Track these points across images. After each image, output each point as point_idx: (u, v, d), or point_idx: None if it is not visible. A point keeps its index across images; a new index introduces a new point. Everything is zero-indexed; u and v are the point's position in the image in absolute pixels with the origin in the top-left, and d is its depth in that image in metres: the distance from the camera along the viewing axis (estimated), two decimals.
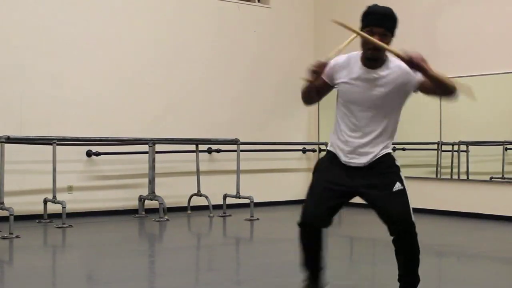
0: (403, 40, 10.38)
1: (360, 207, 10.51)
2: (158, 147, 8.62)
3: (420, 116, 9.42)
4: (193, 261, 5.98)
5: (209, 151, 9.58)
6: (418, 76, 3.43)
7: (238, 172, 8.84)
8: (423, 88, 3.48)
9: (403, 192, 3.54)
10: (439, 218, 8.58)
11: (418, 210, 9.76)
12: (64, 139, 7.98)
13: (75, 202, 8.34)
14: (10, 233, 6.66)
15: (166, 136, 8.87)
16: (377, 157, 3.56)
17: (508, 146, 8.47)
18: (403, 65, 3.43)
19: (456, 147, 8.96)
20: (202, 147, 9.19)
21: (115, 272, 5.15)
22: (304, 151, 10.71)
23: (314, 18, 10.65)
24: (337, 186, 3.55)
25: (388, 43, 3.49)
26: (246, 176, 9.42)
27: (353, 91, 3.53)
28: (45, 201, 7.87)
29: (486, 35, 8.53)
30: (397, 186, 3.52)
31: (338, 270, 5.32)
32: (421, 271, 5.22)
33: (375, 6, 3.56)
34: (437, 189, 9.06)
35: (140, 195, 8.66)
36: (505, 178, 8.44)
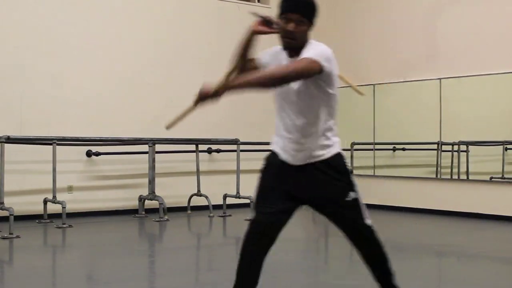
0: (404, 40, 10.46)
1: None
2: (158, 147, 8.62)
3: (420, 116, 9.43)
4: (193, 261, 5.98)
5: (209, 151, 9.58)
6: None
7: (238, 172, 8.84)
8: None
9: (355, 202, 3.26)
10: (439, 218, 8.58)
11: (418, 210, 9.82)
12: (64, 139, 7.98)
13: (75, 202, 8.34)
14: (10, 233, 6.66)
15: (166, 136, 8.85)
16: (323, 157, 3.24)
17: (508, 146, 8.47)
18: (320, 48, 3.26)
19: (456, 147, 8.95)
20: (202, 147, 9.19)
21: (115, 272, 5.15)
22: None
23: None
24: (286, 192, 3.30)
25: (306, 31, 3.32)
26: (246, 176, 9.40)
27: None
28: (45, 201, 7.87)
29: (486, 35, 8.53)
30: (350, 196, 3.24)
31: (338, 270, 5.33)
32: (421, 271, 5.23)
33: None
34: (437, 189, 9.06)
35: (140, 195, 8.66)
36: (505, 178, 8.44)
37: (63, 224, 7.46)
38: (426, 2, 9.24)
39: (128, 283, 4.72)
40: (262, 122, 10.07)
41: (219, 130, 9.49)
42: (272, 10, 10.28)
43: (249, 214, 8.84)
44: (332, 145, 3.27)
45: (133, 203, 8.77)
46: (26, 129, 7.97)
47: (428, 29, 9.15)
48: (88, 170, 8.63)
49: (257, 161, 11.26)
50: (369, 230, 3.35)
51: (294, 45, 3.27)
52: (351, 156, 10.27)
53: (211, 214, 8.58)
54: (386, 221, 8.51)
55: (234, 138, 9.08)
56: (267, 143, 11.48)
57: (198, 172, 8.84)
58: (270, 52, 3.45)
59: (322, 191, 3.27)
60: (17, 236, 6.64)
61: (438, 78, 8.99)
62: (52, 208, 7.81)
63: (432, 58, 9.10)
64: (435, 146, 9.13)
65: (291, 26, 3.24)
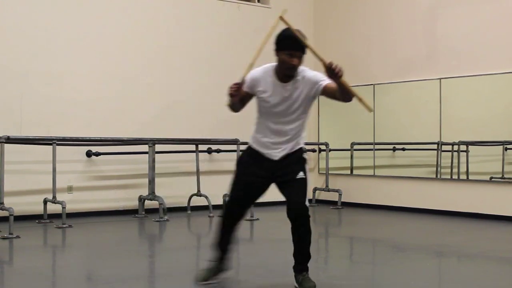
0: (404, 40, 10.44)
1: (360, 207, 10.52)
2: (158, 147, 8.62)
3: (420, 116, 9.44)
4: (193, 261, 5.98)
5: (209, 151, 9.58)
6: (325, 82, 4.05)
7: None
8: (325, 92, 4.11)
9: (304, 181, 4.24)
10: (439, 218, 8.58)
11: (418, 210, 9.81)
12: (64, 139, 7.97)
13: (75, 202, 8.34)
14: (10, 233, 6.66)
15: (166, 136, 8.87)
16: (289, 152, 4.27)
17: (508, 146, 8.47)
18: (308, 76, 4.11)
19: (456, 147, 8.95)
20: (202, 147, 9.19)
21: (115, 272, 5.15)
22: (304, 151, 10.69)
23: (314, 18, 10.65)
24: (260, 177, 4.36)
25: (302, 61, 4.09)
26: None
27: (272, 102, 4.16)
28: (45, 201, 7.87)
29: (486, 35, 8.53)
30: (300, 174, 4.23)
31: (338, 270, 5.33)
32: (421, 271, 5.23)
33: (290, 30, 4.02)
34: (437, 189, 9.06)
35: (140, 195, 8.66)
36: (505, 178, 8.44)
37: (63, 224, 7.47)
38: (426, 2, 9.24)
39: (128, 283, 4.72)
40: None
41: (219, 130, 9.49)
42: (272, 10, 10.29)
43: (249, 214, 8.83)
44: (300, 143, 4.37)
45: (133, 203, 8.77)
46: (26, 129, 7.97)
47: (428, 29, 9.15)
48: (88, 170, 8.63)
49: None
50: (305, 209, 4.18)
51: (294, 75, 4.10)
52: (351, 156, 10.28)
53: (211, 214, 8.58)
54: (386, 221, 8.52)
55: (234, 138, 9.08)
56: None
57: (198, 172, 8.85)
58: (252, 78, 4.23)
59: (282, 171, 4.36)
60: (17, 236, 6.64)
61: (438, 78, 9.00)
62: (52, 208, 7.81)
63: (432, 58, 9.10)
64: (435, 146, 9.14)
65: (295, 62, 4.03)
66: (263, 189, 4.44)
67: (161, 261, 5.81)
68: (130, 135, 8.60)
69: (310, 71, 4.15)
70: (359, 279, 4.90)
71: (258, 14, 10.22)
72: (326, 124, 10.65)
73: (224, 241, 4.56)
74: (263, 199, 10.55)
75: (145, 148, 8.47)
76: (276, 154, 4.25)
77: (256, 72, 4.22)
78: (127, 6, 8.98)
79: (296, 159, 4.26)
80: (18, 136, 7.68)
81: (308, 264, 4.38)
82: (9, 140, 7.34)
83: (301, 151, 4.32)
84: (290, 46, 4.01)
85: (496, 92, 8.65)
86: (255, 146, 4.33)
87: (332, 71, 3.82)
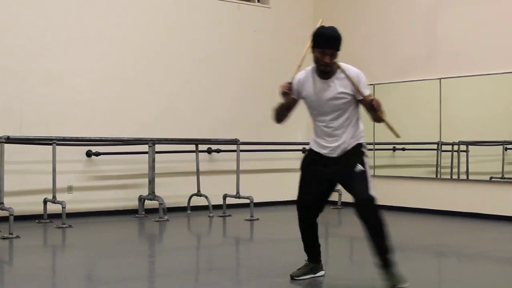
0: (404, 40, 10.43)
1: None
2: (158, 147, 8.62)
3: (420, 116, 9.43)
4: (193, 261, 5.98)
5: (209, 151, 9.58)
6: (365, 93, 4.28)
7: (238, 172, 8.84)
8: (362, 103, 4.35)
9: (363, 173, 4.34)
10: (439, 218, 8.58)
11: (418, 210, 9.79)
12: (64, 139, 7.97)
13: (75, 202, 8.34)
14: (10, 233, 6.66)
15: (166, 136, 8.87)
16: (347, 148, 4.37)
17: (508, 146, 8.47)
18: (350, 74, 4.26)
19: (456, 147, 8.95)
20: (202, 147, 9.19)
21: (115, 272, 5.15)
22: (304, 151, 10.70)
23: (314, 18, 10.64)
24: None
25: (335, 57, 4.26)
26: (246, 176, 9.41)
27: (315, 100, 4.35)
28: (45, 201, 7.87)
29: (486, 35, 8.53)
30: (358, 167, 4.33)
31: (338, 270, 5.32)
32: (421, 271, 5.23)
33: (324, 28, 4.30)
34: (437, 189, 9.06)
35: (140, 195, 8.66)
36: (505, 178, 8.44)
37: (63, 224, 7.47)
38: (426, 2, 9.24)
39: (128, 283, 4.72)
40: (262, 122, 10.07)
41: (219, 130, 9.49)
42: (271, 10, 10.29)
43: (249, 214, 8.82)
44: (356, 138, 4.46)
45: (133, 203, 8.77)
46: (26, 129, 7.97)
47: (428, 29, 9.15)
48: (88, 170, 8.63)
49: (257, 161, 11.37)
50: (371, 199, 4.27)
51: (327, 71, 4.26)
52: None
53: (211, 214, 8.58)
54: (386, 221, 8.50)
55: (234, 138, 9.08)
56: (267, 143, 11.50)
57: (198, 172, 8.84)
58: (297, 81, 4.43)
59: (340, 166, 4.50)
60: (17, 236, 6.64)
61: (438, 78, 9.00)
62: (52, 208, 7.81)
63: (432, 58, 9.10)
64: (435, 146, 9.13)
65: (327, 59, 4.21)
66: (329, 188, 4.54)
67: (161, 261, 5.81)
68: (130, 135, 8.60)
69: (353, 70, 4.33)
70: (359, 279, 4.90)
71: (258, 14, 10.22)
72: None
73: (307, 244, 4.70)
74: (262, 199, 10.51)
75: (145, 148, 8.47)
76: (333, 152, 4.37)
77: (299, 75, 4.42)
78: (127, 6, 8.98)
79: (352, 155, 4.36)
80: (18, 136, 7.68)
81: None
82: (9, 140, 7.34)
83: (359, 146, 4.42)
84: (321, 44, 4.20)
85: (496, 92, 8.65)
86: (315, 148, 4.49)
87: (372, 107, 4.13)
